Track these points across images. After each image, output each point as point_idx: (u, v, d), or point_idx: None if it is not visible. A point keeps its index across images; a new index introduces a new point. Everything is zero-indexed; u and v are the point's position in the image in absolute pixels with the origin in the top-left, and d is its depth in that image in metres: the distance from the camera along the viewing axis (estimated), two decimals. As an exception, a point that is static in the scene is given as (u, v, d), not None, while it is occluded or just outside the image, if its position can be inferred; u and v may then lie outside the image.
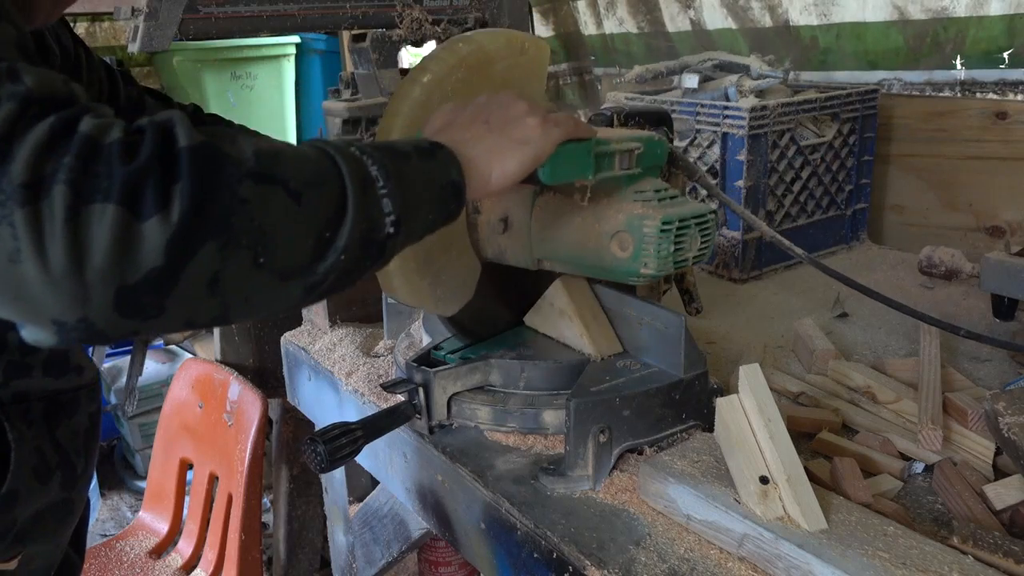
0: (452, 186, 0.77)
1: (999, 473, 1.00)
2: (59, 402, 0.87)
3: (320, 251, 0.63)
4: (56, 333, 0.55)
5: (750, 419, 0.87)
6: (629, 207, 0.97)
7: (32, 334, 0.57)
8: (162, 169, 0.55)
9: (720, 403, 0.89)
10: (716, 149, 1.76)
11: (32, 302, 0.54)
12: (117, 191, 0.53)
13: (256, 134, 0.74)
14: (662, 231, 0.94)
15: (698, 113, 1.79)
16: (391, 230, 0.69)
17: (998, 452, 1.02)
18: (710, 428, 0.99)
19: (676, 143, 1.58)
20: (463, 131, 0.82)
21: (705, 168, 1.81)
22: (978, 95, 1.85)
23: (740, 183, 1.72)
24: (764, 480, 0.83)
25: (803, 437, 1.08)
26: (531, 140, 0.83)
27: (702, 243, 0.99)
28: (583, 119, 1.01)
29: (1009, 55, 1.78)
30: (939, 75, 1.92)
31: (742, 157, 1.71)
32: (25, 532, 0.81)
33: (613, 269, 0.99)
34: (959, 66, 1.87)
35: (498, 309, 1.19)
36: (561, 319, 1.14)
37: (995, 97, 1.83)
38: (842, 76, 2.12)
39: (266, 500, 2.43)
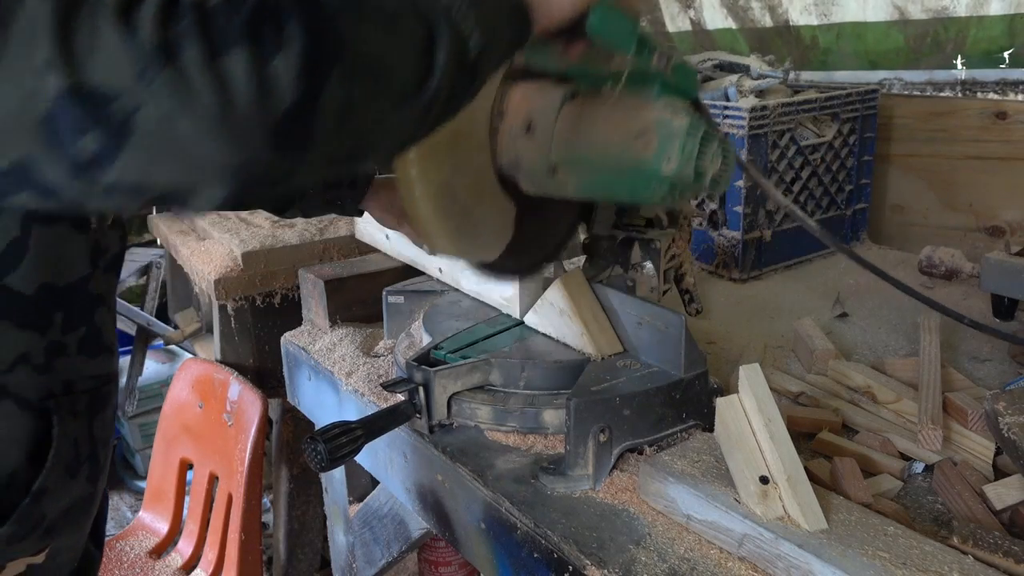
0: (521, 8, 0.78)
1: (999, 473, 1.00)
2: (100, 394, 0.87)
3: (425, 72, 0.66)
4: (228, 180, 0.59)
5: (750, 419, 0.87)
6: (658, 109, 0.96)
7: (204, 194, 0.59)
8: (270, 12, 0.57)
9: (720, 403, 0.89)
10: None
11: (196, 157, 0.57)
12: (239, 39, 0.55)
13: None
14: (689, 130, 0.93)
15: (698, 113, 1.79)
16: (478, 50, 0.71)
17: (998, 452, 1.02)
18: (710, 428, 0.99)
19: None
20: None
21: (705, 168, 1.81)
22: (979, 95, 1.85)
23: (740, 183, 1.72)
24: (764, 480, 0.83)
25: (803, 437, 1.08)
26: None
27: (722, 166, 0.97)
28: None
29: (1010, 55, 1.78)
30: (940, 75, 1.93)
31: (742, 157, 1.71)
32: (54, 526, 0.83)
33: (632, 171, 0.97)
34: (960, 66, 1.87)
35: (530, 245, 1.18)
36: (561, 318, 1.14)
37: (995, 97, 1.83)
38: (842, 76, 2.12)
39: (266, 500, 2.43)
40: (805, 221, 1.11)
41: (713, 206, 1.80)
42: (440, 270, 1.40)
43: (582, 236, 1.32)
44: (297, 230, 1.98)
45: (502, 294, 1.26)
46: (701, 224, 1.83)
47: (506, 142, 1.06)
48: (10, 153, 0.55)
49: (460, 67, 0.70)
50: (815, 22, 2.13)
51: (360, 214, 1.37)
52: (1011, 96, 1.80)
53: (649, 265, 1.19)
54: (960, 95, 1.88)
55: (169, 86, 0.54)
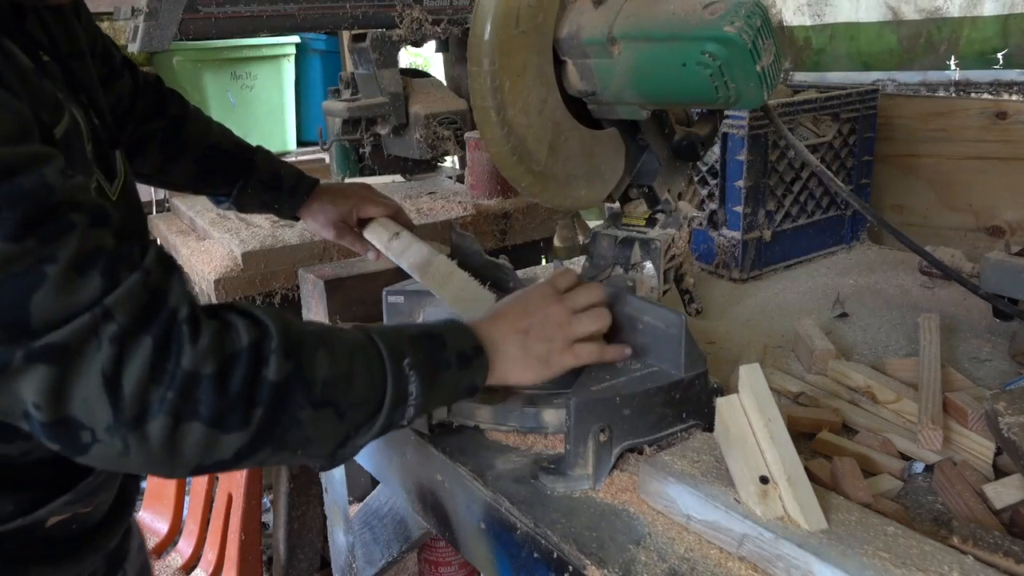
0: (472, 389, 0.95)
1: (999, 473, 1.00)
2: None
3: (345, 443, 0.83)
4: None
5: (750, 419, 0.87)
6: None
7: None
8: (247, 400, 0.72)
9: (720, 403, 0.89)
10: (716, 149, 1.76)
11: (130, 470, 0.75)
12: (208, 417, 0.71)
13: (332, 333, 0.84)
14: (758, 4, 0.97)
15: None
16: (405, 423, 0.88)
17: (998, 452, 1.02)
18: (710, 428, 0.99)
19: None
20: (506, 328, 0.98)
21: (705, 168, 1.81)
22: (972, 95, 1.86)
23: (740, 183, 1.72)
24: (764, 480, 0.83)
25: (803, 437, 1.08)
26: (551, 364, 1.00)
27: (773, 63, 0.99)
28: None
29: (1003, 56, 1.78)
30: (933, 76, 1.93)
31: (742, 157, 1.71)
32: (102, 484, 0.93)
33: (693, 36, 0.98)
34: (953, 67, 1.87)
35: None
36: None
37: (990, 98, 1.83)
38: (836, 77, 2.12)
39: (266, 500, 2.43)
40: (833, 182, 1.13)
41: (713, 206, 1.80)
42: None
43: (581, 238, 1.32)
44: (297, 230, 1.98)
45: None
46: (701, 224, 1.83)
47: (572, 13, 1.07)
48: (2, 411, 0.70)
49: (382, 433, 0.86)
50: (808, 22, 2.13)
51: (297, 219, 1.41)
52: (1005, 97, 1.80)
53: (649, 265, 1.19)
54: (954, 96, 1.88)
55: (133, 443, 0.69)
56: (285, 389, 0.74)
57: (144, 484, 2.17)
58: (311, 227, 1.42)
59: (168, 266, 0.74)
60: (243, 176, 1.34)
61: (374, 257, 1.43)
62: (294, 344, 0.76)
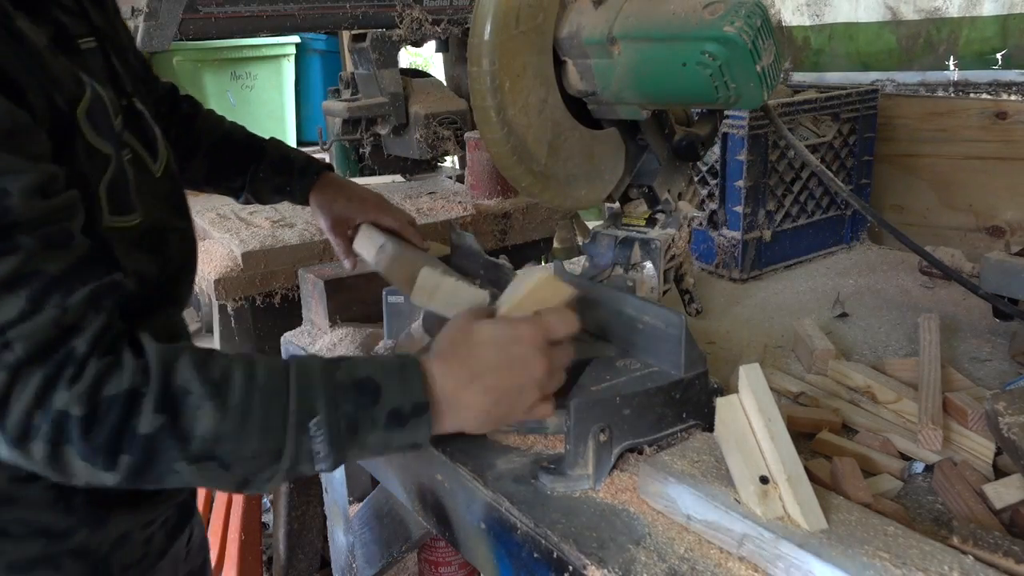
0: (414, 446, 0.87)
1: (999, 473, 1.00)
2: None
3: (245, 485, 0.82)
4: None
5: (750, 419, 0.87)
6: None
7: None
8: (113, 448, 0.75)
9: (720, 403, 0.89)
10: (716, 149, 1.76)
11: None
12: (79, 453, 0.75)
13: (230, 384, 0.80)
14: (758, 4, 0.97)
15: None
16: (320, 469, 0.83)
17: (998, 452, 1.02)
18: (710, 428, 0.99)
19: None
20: (475, 384, 0.88)
21: (705, 168, 1.81)
22: (972, 96, 1.86)
23: (740, 183, 1.72)
24: (764, 480, 0.83)
25: (803, 437, 1.08)
26: (511, 418, 0.93)
27: (773, 63, 0.98)
28: None
29: (1002, 56, 1.78)
30: (932, 76, 1.93)
31: (742, 157, 1.71)
32: None
33: (692, 37, 0.97)
34: (952, 67, 1.87)
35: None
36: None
37: (990, 98, 1.83)
38: (834, 77, 2.12)
39: (266, 500, 2.43)
40: (833, 182, 1.13)
41: (713, 206, 1.80)
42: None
43: (580, 238, 1.32)
44: (297, 230, 1.98)
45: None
46: (701, 224, 1.83)
47: (572, 13, 1.07)
48: None
49: (288, 479, 0.88)
50: (807, 23, 2.14)
51: (307, 203, 1.39)
52: (1004, 97, 1.80)
53: (649, 265, 1.19)
54: (952, 95, 1.88)
55: (20, 457, 0.75)
56: (154, 442, 0.76)
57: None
58: (313, 213, 1.40)
59: (97, 304, 0.76)
60: (254, 161, 1.35)
61: (350, 266, 1.41)
62: (173, 397, 0.76)
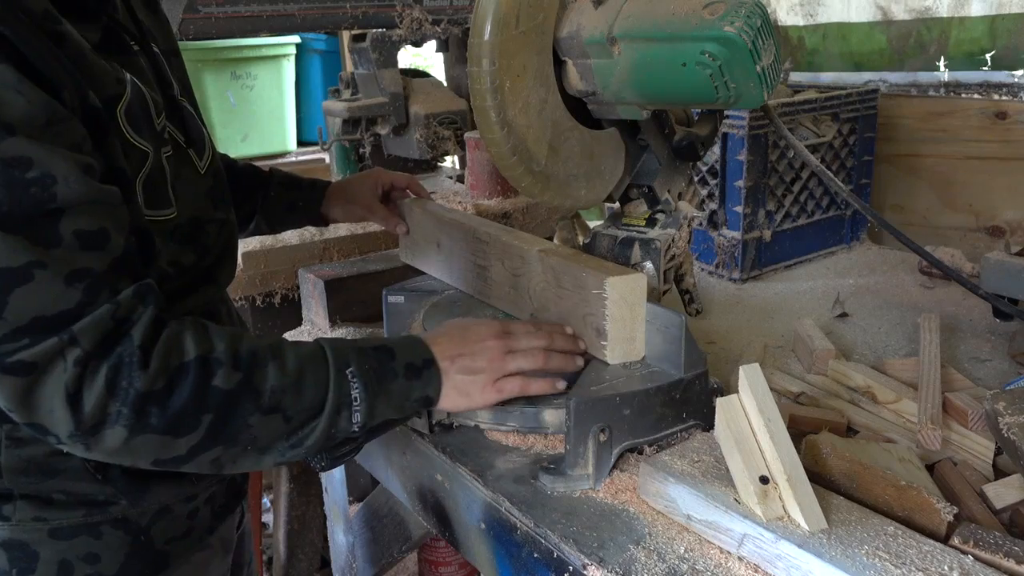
0: (427, 400, 0.98)
1: (999, 473, 1.00)
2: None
3: (294, 442, 0.89)
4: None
5: (750, 419, 0.87)
6: None
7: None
8: (194, 406, 0.82)
9: (720, 403, 0.89)
10: (716, 149, 1.76)
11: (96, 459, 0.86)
12: (160, 426, 0.81)
13: (283, 345, 0.91)
14: (758, 4, 0.97)
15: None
16: (356, 430, 0.93)
17: (998, 452, 1.02)
18: (710, 428, 0.99)
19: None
20: (435, 351, 1.00)
21: (705, 168, 1.81)
22: (963, 97, 1.86)
23: (740, 183, 1.72)
24: (764, 480, 0.83)
25: (803, 437, 1.08)
26: (472, 397, 1.01)
27: (772, 63, 0.98)
28: None
29: (992, 57, 1.78)
30: (923, 76, 1.93)
31: (742, 157, 1.71)
32: None
33: (692, 36, 0.98)
34: (942, 68, 1.88)
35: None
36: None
37: (979, 98, 1.83)
38: (828, 77, 2.12)
39: (266, 500, 2.43)
40: (833, 182, 1.13)
41: (713, 206, 1.80)
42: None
43: (581, 238, 1.32)
44: (297, 230, 1.98)
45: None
46: (701, 224, 1.83)
47: (573, 13, 1.07)
48: None
49: (329, 439, 0.92)
50: (801, 22, 2.14)
51: (321, 220, 1.45)
52: (995, 98, 1.80)
53: (649, 265, 1.19)
54: (946, 95, 1.88)
55: (90, 444, 0.80)
56: (234, 396, 0.84)
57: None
58: (342, 212, 1.44)
59: (144, 298, 0.82)
60: (262, 186, 1.39)
61: (403, 230, 1.48)
62: (244, 356, 0.85)
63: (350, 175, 1.46)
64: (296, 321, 1.64)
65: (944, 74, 1.87)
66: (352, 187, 1.44)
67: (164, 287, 0.89)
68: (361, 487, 1.68)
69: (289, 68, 3.54)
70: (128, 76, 0.90)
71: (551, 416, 1.08)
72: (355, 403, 0.91)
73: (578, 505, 0.94)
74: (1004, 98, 1.78)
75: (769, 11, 2.17)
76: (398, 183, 1.47)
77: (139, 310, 0.81)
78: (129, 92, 0.89)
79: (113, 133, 0.86)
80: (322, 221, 1.45)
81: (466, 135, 2.26)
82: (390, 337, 1.03)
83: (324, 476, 1.73)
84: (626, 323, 1.05)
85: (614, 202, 1.27)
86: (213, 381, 0.83)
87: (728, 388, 1.13)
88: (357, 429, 0.92)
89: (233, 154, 1.42)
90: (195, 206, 1.00)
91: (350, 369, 0.91)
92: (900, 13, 1.91)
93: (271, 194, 1.39)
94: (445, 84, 2.53)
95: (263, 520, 2.16)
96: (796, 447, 0.86)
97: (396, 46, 2.24)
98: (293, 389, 0.87)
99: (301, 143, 3.64)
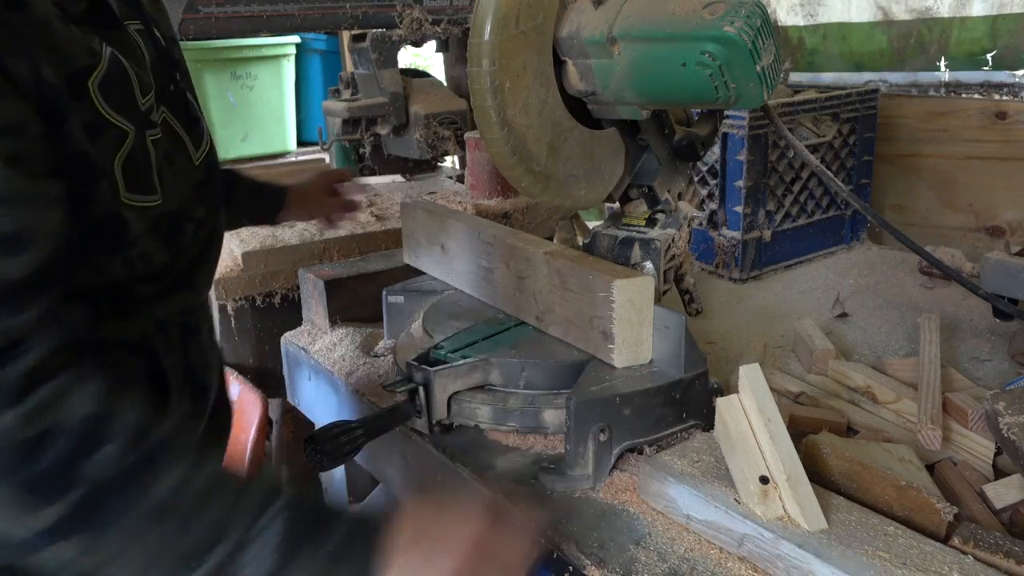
0: None
1: (999, 473, 1.00)
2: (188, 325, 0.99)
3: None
4: None
5: (750, 419, 0.87)
6: None
7: None
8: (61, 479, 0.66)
9: (720, 403, 0.89)
10: (716, 149, 1.76)
11: None
12: (16, 488, 0.65)
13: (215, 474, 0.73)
14: (758, 5, 0.97)
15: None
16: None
17: (998, 452, 1.02)
18: (710, 428, 0.99)
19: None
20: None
21: (705, 168, 1.81)
22: (964, 96, 1.86)
23: (740, 183, 1.72)
24: (764, 480, 0.83)
25: (803, 437, 1.08)
26: None
27: (772, 63, 0.98)
28: None
29: (992, 57, 1.78)
30: (924, 76, 1.93)
31: (742, 157, 1.71)
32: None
33: (692, 36, 0.98)
34: (943, 68, 1.88)
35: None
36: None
37: (979, 98, 1.83)
38: (828, 77, 2.12)
39: (266, 500, 2.42)
40: (833, 182, 1.13)
41: (713, 206, 1.80)
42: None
43: (581, 239, 1.32)
44: (297, 230, 1.98)
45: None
46: (701, 224, 1.83)
47: (573, 12, 1.07)
48: None
49: None
50: (801, 23, 2.14)
51: (273, 222, 1.43)
52: (996, 98, 1.80)
53: (649, 265, 1.19)
54: (946, 95, 1.88)
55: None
56: (117, 481, 0.67)
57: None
58: (296, 215, 1.44)
59: (47, 325, 0.69)
60: (231, 186, 1.33)
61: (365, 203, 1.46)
62: (151, 443, 0.70)
63: (305, 181, 1.46)
64: (296, 321, 1.64)
65: (945, 74, 1.87)
66: (308, 192, 1.43)
67: (134, 286, 0.82)
68: (361, 487, 1.68)
69: (289, 68, 3.53)
70: (108, 49, 0.82)
71: (551, 416, 1.08)
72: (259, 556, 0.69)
73: (578, 505, 0.94)
74: (1005, 98, 1.78)
75: (769, 11, 2.18)
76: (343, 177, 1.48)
77: (35, 339, 0.68)
78: (106, 65, 0.80)
79: (76, 112, 0.77)
80: (273, 223, 1.44)
81: (466, 135, 2.26)
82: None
83: (324, 476, 1.73)
84: (633, 326, 1.05)
85: (614, 202, 1.27)
86: (94, 455, 0.67)
87: (728, 388, 1.13)
88: None
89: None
90: (182, 198, 0.93)
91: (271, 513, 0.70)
92: (901, 13, 1.91)
93: (238, 195, 1.33)
94: (445, 84, 2.53)
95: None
96: (796, 447, 0.86)
97: (396, 46, 2.24)
98: (191, 507, 0.69)
99: (301, 143, 3.64)
